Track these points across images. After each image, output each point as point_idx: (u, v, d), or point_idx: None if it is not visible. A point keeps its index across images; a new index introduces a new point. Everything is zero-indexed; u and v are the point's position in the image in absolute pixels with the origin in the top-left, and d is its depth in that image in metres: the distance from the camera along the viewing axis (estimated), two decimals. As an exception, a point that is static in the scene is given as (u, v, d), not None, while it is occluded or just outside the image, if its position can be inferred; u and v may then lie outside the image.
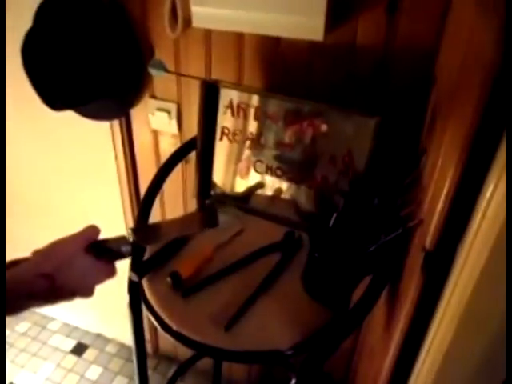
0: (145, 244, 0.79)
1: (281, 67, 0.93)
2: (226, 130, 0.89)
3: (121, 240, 0.63)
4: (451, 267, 0.51)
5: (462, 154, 0.47)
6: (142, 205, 0.92)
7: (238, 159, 0.92)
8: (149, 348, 1.67)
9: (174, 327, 0.72)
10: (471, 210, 0.47)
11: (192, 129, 1.07)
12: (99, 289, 0.64)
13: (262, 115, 0.85)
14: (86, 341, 1.83)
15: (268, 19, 0.82)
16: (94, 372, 1.72)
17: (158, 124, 1.14)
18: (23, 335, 1.85)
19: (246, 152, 0.90)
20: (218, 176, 0.95)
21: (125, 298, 0.86)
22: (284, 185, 0.89)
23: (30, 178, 1.52)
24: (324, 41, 0.81)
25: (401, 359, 0.66)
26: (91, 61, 0.98)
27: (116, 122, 1.18)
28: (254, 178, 0.92)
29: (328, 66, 0.89)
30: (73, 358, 1.77)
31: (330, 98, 0.88)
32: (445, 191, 0.50)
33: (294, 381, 0.71)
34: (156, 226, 0.69)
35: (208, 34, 0.96)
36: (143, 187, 1.30)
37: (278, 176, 0.89)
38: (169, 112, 1.10)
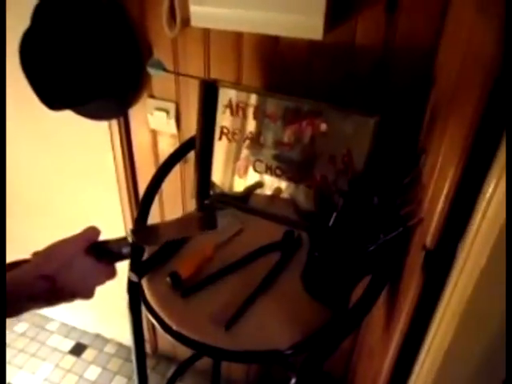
0: (144, 245, 0.78)
1: (280, 66, 0.93)
2: (225, 130, 0.89)
3: (121, 241, 0.63)
4: (451, 266, 0.51)
5: (462, 154, 0.47)
6: (141, 205, 0.91)
7: (237, 159, 0.92)
8: (148, 348, 1.67)
9: (174, 327, 0.72)
10: (471, 209, 0.47)
11: (191, 128, 1.07)
12: (98, 289, 0.64)
13: (261, 114, 0.85)
14: (84, 341, 1.83)
15: (267, 18, 0.82)
16: (93, 372, 1.71)
17: (157, 124, 1.13)
18: (22, 335, 1.84)
19: (245, 151, 0.90)
20: (217, 176, 0.95)
21: (124, 298, 0.86)
22: (283, 184, 0.89)
23: (30, 178, 1.52)
24: (323, 40, 0.81)
25: (400, 359, 0.66)
26: (89, 60, 0.97)
27: (114, 122, 1.18)
28: (252, 177, 0.91)
29: (327, 65, 0.89)
30: (71, 359, 1.76)
31: (329, 98, 0.88)
32: (445, 191, 0.50)
33: (293, 380, 0.71)
34: (155, 227, 0.69)
35: (207, 33, 0.96)
36: (142, 187, 1.29)
37: (277, 175, 0.89)
38: (167, 112, 1.10)
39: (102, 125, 1.19)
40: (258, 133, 0.87)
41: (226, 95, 0.86)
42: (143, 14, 1.00)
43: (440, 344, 0.52)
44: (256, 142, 0.88)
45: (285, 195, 0.90)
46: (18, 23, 0.97)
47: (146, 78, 1.07)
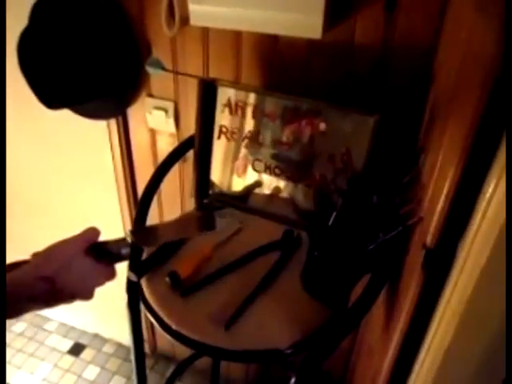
0: (143, 246, 0.78)
1: (279, 65, 0.93)
2: (224, 129, 0.89)
3: (121, 242, 0.63)
4: (452, 265, 0.51)
5: (462, 154, 0.47)
6: (140, 205, 0.91)
7: (236, 158, 0.91)
8: (146, 348, 1.66)
9: (173, 326, 0.72)
10: (472, 208, 0.47)
11: (189, 127, 1.07)
12: (97, 289, 0.63)
13: (259, 114, 0.85)
14: (83, 341, 1.83)
15: (266, 17, 0.82)
16: (92, 372, 1.71)
17: (156, 123, 1.13)
18: (20, 335, 1.84)
19: (244, 151, 0.90)
20: (216, 175, 0.95)
21: (122, 297, 0.86)
22: (282, 183, 0.89)
23: (29, 178, 1.52)
24: (322, 39, 0.81)
25: (400, 358, 0.66)
26: (88, 59, 0.97)
27: (113, 121, 1.18)
28: (251, 176, 0.91)
29: (326, 64, 0.89)
30: (70, 359, 1.76)
31: (328, 97, 0.88)
32: (445, 191, 0.50)
33: (293, 380, 0.71)
34: (154, 228, 0.69)
35: (205, 32, 0.95)
36: (141, 187, 1.29)
37: (276, 175, 0.88)
38: (166, 111, 1.09)
39: (101, 124, 1.19)
40: (257, 132, 0.87)
41: (225, 94, 0.86)
42: (142, 12, 0.99)
43: (440, 343, 0.52)
44: (255, 141, 0.87)
45: (284, 194, 0.90)
46: (16, 23, 0.96)
47: (145, 76, 1.07)
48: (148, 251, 0.84)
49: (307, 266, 0.78)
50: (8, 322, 1.87)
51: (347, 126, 0.78)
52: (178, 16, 0.92)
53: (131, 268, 0.79)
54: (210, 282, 0.78)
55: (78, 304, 0.63)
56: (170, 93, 1.07)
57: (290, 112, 0.82)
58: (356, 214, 0.72)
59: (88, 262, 0.60)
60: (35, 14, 1.00)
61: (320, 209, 0.86)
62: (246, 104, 0.85)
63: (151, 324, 1.50)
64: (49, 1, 0.98)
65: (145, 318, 0.91)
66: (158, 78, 1.05)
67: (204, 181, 0.95)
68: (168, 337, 0.73)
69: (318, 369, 0.69)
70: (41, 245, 0.61)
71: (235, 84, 0.93)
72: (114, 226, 1.40)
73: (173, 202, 1.26)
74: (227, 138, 0.90)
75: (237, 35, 0.93)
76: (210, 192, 0.96)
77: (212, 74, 0.99)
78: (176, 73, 1.03)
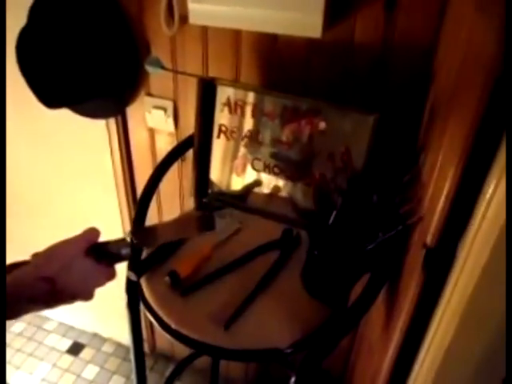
0: (142, 246, 0.78)
1: (278, 64, 0.93)
2: (223, 128, 0.89)
3: (121, 242, 0.62)
4: (452, 264, 0.51)
5: (462, 154, 0.47)
6: (139, 204, 0.91)
7: (236, 157, 0.91)
8: (145, 347, 1.66)
9: (173, 326, 0.72)
10: (472, 207, 0.47)
11: (189, 127, 1.07)
12: (96, 289, 0.63)
13: (259, 113, 0.84)
14: (82, 340, 1.82)
15: (265, 16, 0.82)
16: (91, 372, 1.71)
17: (155, 122, 1.13)
18: (19, 335, 1.83)
19: (243, 150, 0.90)
20: (215, 174, 0.95)
21: (121, 297, 0.86)
22: (281, 182, 0.89)
23: (28, 178, 1.51)
24: (322, 38, 0.81)
25: (400, 358, 0.66)
26: (87, 58, 0.97)
27: (112, 121, 1.17)
28: (250, 175, 0.91)
29: (326, 63, 0.89)
30: (69, 358, 1.76)
31: (327, 96, 0.88)
32: (445, 191, 0.50)
33: (293, 379, 0.71)
34: (153, 228, 0.69)
35: (205, 31, 0.95)
36: (140, 186, 1.29)
37: (275, 174, 0.88)
38: (165, 110, 1.09)
39: (100, 123, 1.19)
40: (257, 131, 0.86)
41: (225, 93, 0.85)
42: (141, 11, 0.99)
43: (440, 343, 0.52)
44: (254, 140, 0.87)
45: (283, 194, 0.89)
46: (15, 23, 0.96)
47: (144, 76, 1.07)
48: (147, 251, 0.84)
49: (307, 265, 0.78)
50: (7, 322, 1.86)
51: (347, 125, 0.78)
52: (178, 15, 0.92)
53: (131, 267, 0.79)
54: (209, 282, 0.78)
55: (76, 303, 0.63)
56: (169, 92, 1.07)
57: (289, 111, 0.82)
58: (356, 213, 0.72)
59: (88, 262, 0.60)
60: (34, 12, 0.99)
61: (320, 208, 0.86)
62: (245, 103, 0.85)
63: (150, 323, 1.50)
64: (47, 0, 0.97)
65: (144, 317, 0.91)
66: (157, 77, 1.05)
67: (203, 180, 0.94)
68: (168, 336, 0.72)
69: (317, 368, 0.69)
70: (41, 245, 0.61)
71: (235, 83, 0.92)
72: (114, 226, 1.40)
73: (172, 202, 1.26)
74: (227, 137, 0.89)
75: (236, 34, 0.93)
76: (210, 191, 0.96)
77: (211, 73, 0.99)
78: (175, 72, 1.02)
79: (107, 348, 1.79)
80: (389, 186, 0.73)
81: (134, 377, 1.04)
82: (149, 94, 1.10)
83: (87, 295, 0.61)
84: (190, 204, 1.01)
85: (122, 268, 0.75)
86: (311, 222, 0.86)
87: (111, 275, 0.63)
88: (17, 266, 0.58)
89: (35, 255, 0.59)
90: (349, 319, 0.70)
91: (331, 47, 0.86)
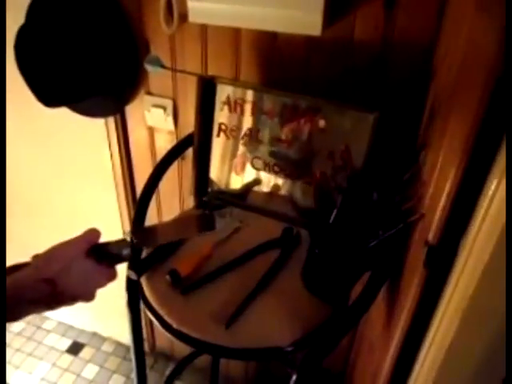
0: (142, 247, 0.78)
1: (278, 62, 0.93)
2: (223, 126, 0.89)
3: (121, 243, 0.62)
4: (454, 262, 0.51)
5: (463, 154, 0.47)
6: (139, 203, 0.91)
7: (235, 155, 0.91)
8: (145, 346, 1.66)
9: (174, 325, 0.72)
10: (474, 204, 0.47)
11: (188, 125, 1.07)
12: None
13: (259, 111, 0.84)
14: (81, 340, 1.82)
15: (265, 14, 0.82)
16: (91, 371, 1.71)
17: (154, 121, 1.13)
18: (18, 335, 1.83)
19: (242, 148, 0.89)
20: (215, 173, 0.94)
21: (120, 296, 0.86)
22: (281, 181, 0.89)
23: (28, 178, 1.51)
24: (321, 36, 0.80)
25: (401, 355, 0.66)
26: (86, 57, 0.96)
27: (111, 119, 1.17)
28: (250, 174, 0.91)
29: (325, 61, 0.88)
30: (69, 358, 1.76)
31: (327, 94, 0.88)
32: (447, 188, 0.50)
33: (294, 377, 0.71)
34: (153, 228, 0.69)
35: (204, 29, 0.95)
36: (139, 185, 1.29)
37: (275, 172, 0.88)
38: (165, 108, 1.09)
39: (99, 122, 1.18)
40: (257, 129, 0.86)
41: (224, 92, 0.85)
42: (140, 9, 0.99)
43: (442, 341, 0.52)
44: (254, 138, 0.87)
45: (283, 192, 0.89)
46: (14, 23, 0.95)
47: (143, 74, 1.07)
48: (147, 250, 0.83)
49: (308, 263, 0.77)
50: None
51: (347, 123, 0.78)
52: (177, 13, 0.92)
53: (131, 266, 0.79)
54: (210, 281, 0.78)
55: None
56: (168, 90, 1.07)
57: (289, 109, 0.82)
58: (356, 212, 0.72)
59: (89, 263, 0.59)
60: (32, 11, 0.99)
61: (320, 206, 0.85)
62: (245, 101, 0.85)
63: (150, 322, 1.50)
64: (46, -2, 0.97)
65: (144, 316, 0.91)
66: (156, 76, 1.05)
67: (203, 179, 0.94)
68: (168, 335, 0.72)
69: (318, 366, 0.69)
70: (40, 245, 0.61)
71: (234, 81, 0.92)
72: (114, 226, 1.39)
73: (171, 201, 1.26)
74: (226, 136, 0.89)
75: (236, 32, 0.92)
76: (209, 190, 0.96)
77: (211, 72, 0.99)
78: (175, 70, 1.02)
79: (107, 347, 1.79)
80: (389, 184, 0.73)
81: (134, 376, 1.04)
82: (148, 93, 1.10)
83: (88, 296, 0.61)
84: (189, 203, 1.01)
85: (122, 267, 0.75)
86: (311, 221, 0.86)
87: (112, 276, 0.62)
88: (17, 267, 0.57)
89: (35, 257, 0.59)
90: (350, 317, 0.70)
91: (331, 45, 0.86)
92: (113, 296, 0.93)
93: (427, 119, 0.75)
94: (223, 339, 0.69)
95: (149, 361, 1.69)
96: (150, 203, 0.92)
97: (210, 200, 0.95)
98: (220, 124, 0.88)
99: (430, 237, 0.55)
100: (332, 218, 0.72)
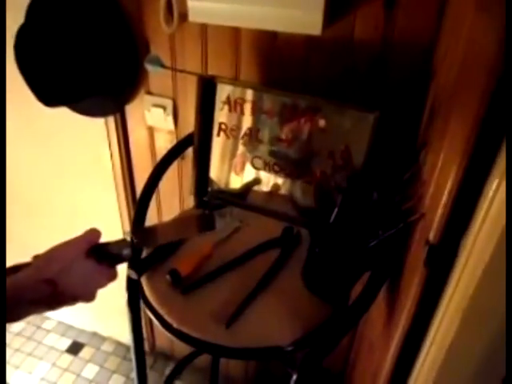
0: (142, 247, 0.78)
1: (278, 62, 0.93)
2: (223, 126, 0.89)
3: (122, 243, 0.62)
4: (454, 262, 0.51)
5: (464, 154, 0.47)
6: (139, 202, 0.91)
7: (235, 155, 0.91)
8: (145, 346, 1.66)
9: (174, 325, 0.72)
10: (475, 204, 0.47)
11: (188, 125, 1.07)
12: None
13: (259, 110, 0.84)
14: (81, 339, 1.82)
15: (265, 13, 0.82)
16: (91, 371, 1.71)
17: (154, 120, 1.13)
18: (18, 335, 1.83)
19: (242, 148, 0.89)
20: (215, 172, 0.94)
21: (120, 295, 0.86)
22: (281, 180, 0.89)
23: (28, 178, 1.51)
24: (321, 35, 0.80)
25: (402, 355, 0.66)
26: (85, 57, 0.96)
27: (111, 119, 1.17)
28: (249, 173, 0.91)
29: (325, 60, 0.88)
30: (68, 357, 1.76)
31: (327, 93, 0.88)
32: (448, 188, 0.50)
33: (295, 377, 0.71)
34: (153, 228, 0.69)
35: (204, 28, 0.95)
36: (139, 185, 1.29)
37: (275, 172, 0.88)
38: (165, 108, 1.09)
39: (99, 122, 1.18)
40: (256, 129, 0.86)
41: (224, 91, 0.85)
42: (140, 9, 0.99)
43: (442, 341, 0.52)
44: (254, 138, 0.87)
45: (283, 191, 0.89)
46: (14, 23, 0.95)
47: (143, 74, 1.07)
48: (147, 250, 0.83)
49: (308, 263, 0.78)
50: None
51: (347, 123, 0.78)
52: (177, 13, 0.92)
53: (131, 266, 0.79)
54: (210, 280, 0.78)
55: (76, 303, 0.63)
56: (168, 90, 1.07)
57: (288, 109, 0.82)
58: (356, 211, 0.72)
59: (89, 263, 0.59)
60: (32, 11, 0.99)
61: (320, 205, 0.85)
62: (244, 101, 0.85)
63: (150, 322, 1.50)
64: (46, -2, 0.97)
65: (144, 315, 0.91)
66: (156, 76, 1.05)
67: (203, 178, 0.94)
68: (168, 335, 0.72)
69: (318, 366, 0.69)
70: (41, 245, 0.61)
71: (234, 81, 0.92)
72: (114, 225, 1.39)
73: (171, 200, 1.26)
74: (226, 136, 0.89)
75: (235, 32, 0.92)
76: (209, 189, 0.96)
77: (211, 71, 0.99)
78: (175, 70, 1.02)
79: (107, 347, 1.79)
80: (389, 183, 0.73)
81: (134, 375, 1.04)
82: (148, 93, 1.10)
83: (89, 297, 0.61)
84: (189, 203, 1.01)
85: (122, 267, 0.75)
86: (311, 220, 0.86)
87: (112, 276, 0.62)
88: (18, 268, 0.57)
89: (36, 257, 0.59)
90: (350, 317, 0.70)
91: (331, 45, 0.86)
92: (113, 296, 0.93)
93: (427, 119, 0.75)
94: (223, 339, 0.69)
95: (148, 360, 1.69)
96: (149, 203, 0.92)
97: (210, 200, 0.95)
98: (220, 123, 0.88)
99: (431, 236, 0.55)
100: (332, 217, 0.72)
